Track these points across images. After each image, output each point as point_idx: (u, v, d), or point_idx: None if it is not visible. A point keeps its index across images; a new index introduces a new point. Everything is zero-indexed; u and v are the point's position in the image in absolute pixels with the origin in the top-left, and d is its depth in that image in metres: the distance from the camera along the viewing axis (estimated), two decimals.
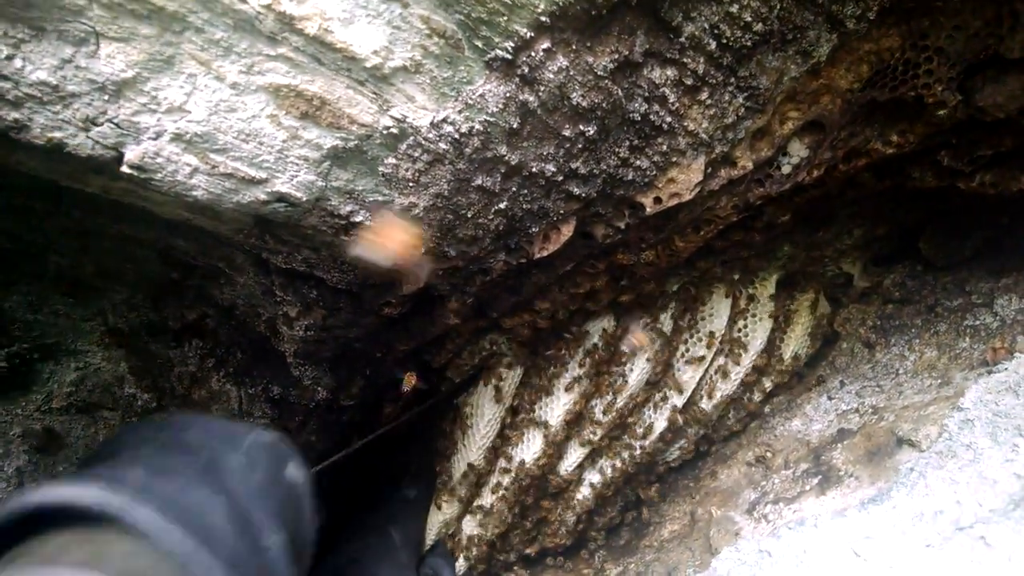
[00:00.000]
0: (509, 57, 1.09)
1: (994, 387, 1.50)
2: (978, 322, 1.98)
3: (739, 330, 2.35)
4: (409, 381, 2.02)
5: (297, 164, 1.12)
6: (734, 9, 1.17)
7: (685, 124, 1.36)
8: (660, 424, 2.34)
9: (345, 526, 2.25)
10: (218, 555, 0.80)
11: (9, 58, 0.90)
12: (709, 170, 1.49)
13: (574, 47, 1.13)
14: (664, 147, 1.40)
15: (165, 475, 0.88)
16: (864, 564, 1.17)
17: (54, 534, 0.76)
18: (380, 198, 1.24)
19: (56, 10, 0.88)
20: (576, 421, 2.30)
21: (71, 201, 1.32)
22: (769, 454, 2.14)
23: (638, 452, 2.36)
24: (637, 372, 2.26)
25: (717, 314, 2.31)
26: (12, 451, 1.58)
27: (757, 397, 2.42)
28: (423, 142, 1.16)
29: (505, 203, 1.37)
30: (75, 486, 0.77)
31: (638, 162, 1.41)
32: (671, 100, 1.30)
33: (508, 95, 1.14)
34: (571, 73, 1.15)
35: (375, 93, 1.08)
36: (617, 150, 1.36)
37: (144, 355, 1.72)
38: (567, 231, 1.53)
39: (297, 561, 1.02)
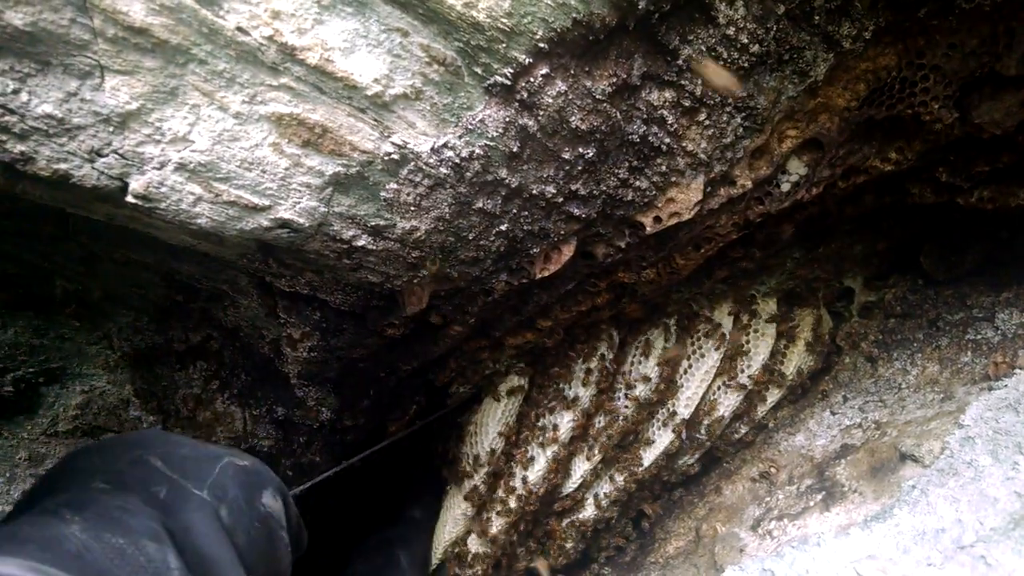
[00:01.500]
0: (508, 83, 1.10)
1: (995, 404, 1.50)
2: (979, 336, 1.98)
3: (742, 345, 2.35)
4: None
5: (299, 191, 1.14)
6: (731, 31, 1.18)
7: (684, 145, 1.37)
8: (664, 440, 2.34)
9: (351, 548, 2.25)
10: None
11: (15, 92, 0.91)
12: (708, 189, 1.50)
13: (572, 72, 1.14)
14: (663, 167, 1.41)
15: (108, 530, 0.83)
16: None
17: None
18: (382, 222, 1.25)
19: (61, 44, 0.89)
20: (580, 438, 2.30)
21: (77, 226, 1.33)
22: (773, 469, 2.14)
23: (642, 468, 2.36)
24: (640, 388, 2.26)
25: (719, 331, 2.31)
26: (18, 475, 1.58)
27: (761, 411, 2.42)
28: (424, 167, 1.17)
29: (506, 225, 1.38)
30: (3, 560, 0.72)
31: (637, 183, 1.42)
32: (669, 121, 1.31)
33: (508, 120, 1.15)
34: (570, 97, 1.17)
35: (376, 120, 1.09)
36: (617, 171, 1.37)
37: (149, 378, 1.73)
38: (568, 251, 1.54)
39: None
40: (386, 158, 1.14)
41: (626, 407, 2.27)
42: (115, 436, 1.47)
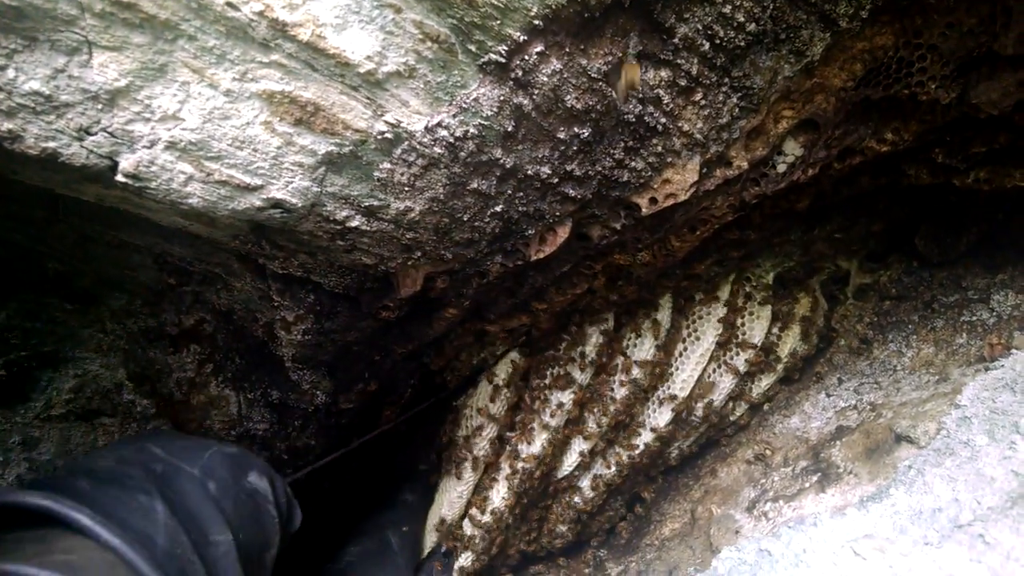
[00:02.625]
0: (503, 61, 1.09)
1: (991, 384, 1.50)
2: (975, 318, 1.98)
3: (737, 327, 2.35)
4: None
5: (292, 170, 1.12)
6: (727, 10, 1.17)
7: (680, 125, 1.36)
8: (659, 422, 2.34)
9: (343, 530, 2.25)
10: (145, 547, 1.00)
11: (2, 68, 0.89)
12: (704, 170, 1.50)
13: (567, 50, 1.13)
14: (659, 148, 1.40)
15: (108, 485, 1.08)
16: (864, 563, 1.17)
17: (9, 534, 0.96)
18: (375, 203, 1.24)
19: (48, 20, 0.88)
20: (576, 420, 2.30)
21: (68, 208, 1.32)
22: (768, 452, 2.14)
23: (638, 450, 2.37)
24: (636, 371, 2.26)
25: (714, 313, 2.31)
26: (12, 459, 1.57)
27: (756, 393, 2.43)
28: (418, 147, 1.16)
29: (501, 206, 1.37)
30: (23, 494, 0.98)
31: (633, 163, 1.41)
32: (665, 101, 1.30)
33: (502, 98, 1.14)
34: (565, 76, 1.16)
35: (369, 98, 1.08)
36: (612, 152, 1.36)
37: (142, 361, 1.72)
38: (563, 233, 1.53)
39: (255, 559, 1.26)
40: (379, 137, 1.13)
41: (622, 390, 2.27)
42: (124, 436, 1.72)
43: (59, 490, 1.02)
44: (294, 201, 1.17)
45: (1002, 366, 1.59)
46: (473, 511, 2.31)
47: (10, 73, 0.90)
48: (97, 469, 1.12)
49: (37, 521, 0.97)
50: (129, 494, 1.07)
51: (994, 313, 1.95)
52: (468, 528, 2.32)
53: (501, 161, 1.25)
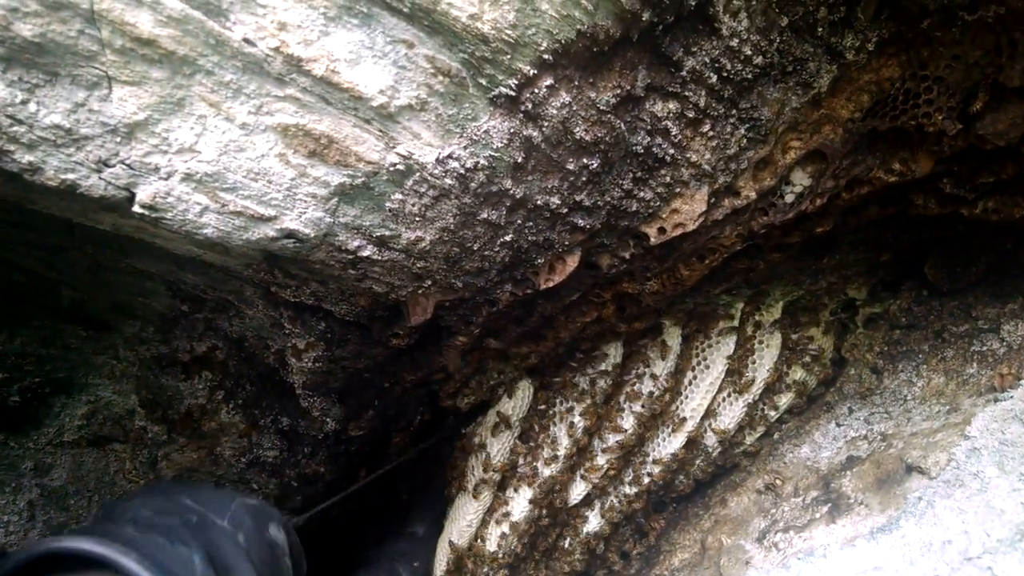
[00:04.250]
0: (513, 94, 1.10)
1: (1001, 415, 1.50)
2: (985, 348, 1.97)
3: (746, 357, 2.35)
4: None
5: (305, 201, 1.14)
6: (734, 43, 1.19)
7: (688, 155, 1.37)
8: (668, 451, 2.33)
9: (353, 563, 2.25)
10: None
11: (24, 102, 0.92)
12: (712, 200, 1.51)
13: (577, 83, 1.14)
14: (667, 178, 1.41)
15: (153, 532, 1.11)
16: None
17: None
18: (387, 233, 1.26)
19: (69, 56, 0.90)
20: (585, 448, 2.29)
21: (83, 236, 1.34)
22: (779, 481, 2.13)
23: (647, 480, 2.36)
24: (644, 400, 2.26)
25: (723, 342, 2.31)
26: (24, 485, 1.59)
27: (766, 423, 2.42)
28: (429, 178, 1.18)
29: (511, 235, 1.38)
30: (74, 539, 1.01)
31: (642, 193, 1.42)
32: (673, 132, 1.31)
33: (512, 131, 1.16)
34: (574, 108, 1.17)
35: (381, 131, 1.10)
36: (621, 182, 1.38)
37: (154, 388, 1.73)
38: (572, 262, 1.54)
39: None
40: (391, 169, 1.14)
41: (631, 418, 2.27)
42: (147, 484, 1.77)
43: (106, 535, 1.06)
44: (307, 231, 1.18)
45: (1012, 397, 1.58)
46: (481, 541, 2.30)
47: (32, 107, 0.92)
48: (139, 518, 1.16)
49: (78, 565, 1.01)
50: (171, 544, 1.11)
51: (1004, 343, 1.94)
52: (477, 558, 2.31)
53: (511, 192, 1.27)
